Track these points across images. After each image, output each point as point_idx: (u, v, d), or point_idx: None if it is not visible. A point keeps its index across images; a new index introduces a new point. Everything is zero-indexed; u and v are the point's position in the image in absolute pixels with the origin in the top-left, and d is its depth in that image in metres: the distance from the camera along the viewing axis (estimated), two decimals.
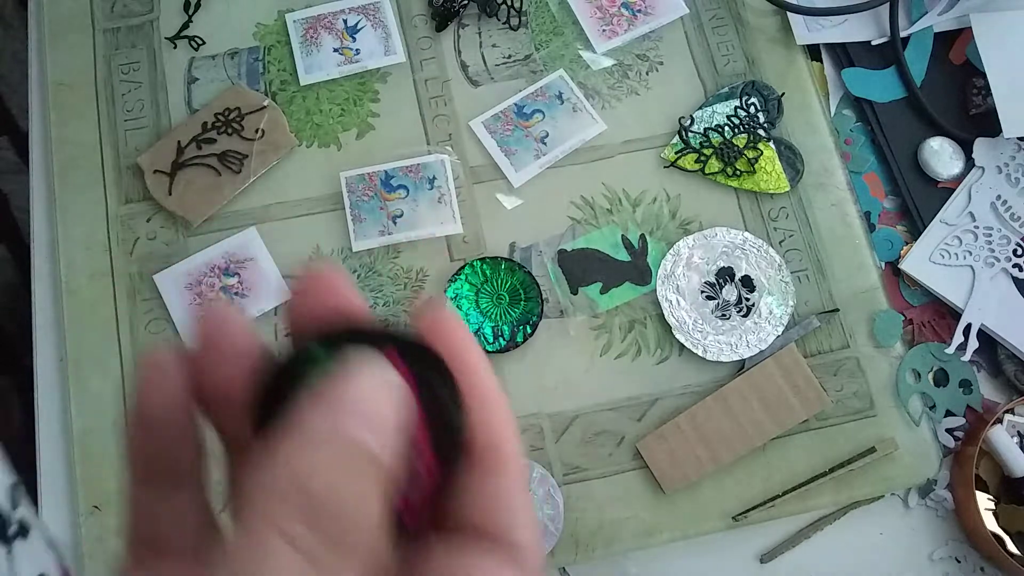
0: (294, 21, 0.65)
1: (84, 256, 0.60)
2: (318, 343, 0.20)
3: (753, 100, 0.63)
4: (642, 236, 0.60)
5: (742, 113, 0.62)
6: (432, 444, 0.20)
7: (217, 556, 0.17)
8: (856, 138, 0.64)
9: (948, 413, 0.57)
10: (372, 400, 0.18)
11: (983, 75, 0.60)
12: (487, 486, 0.21)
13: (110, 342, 0.58)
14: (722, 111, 0.62)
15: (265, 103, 0.62)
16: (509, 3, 0.65)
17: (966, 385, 0.58)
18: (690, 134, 0.62)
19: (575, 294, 0.59)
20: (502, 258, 0.58)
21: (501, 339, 0.57)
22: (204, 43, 0.65)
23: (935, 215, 0.60)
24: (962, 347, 0.58)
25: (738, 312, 0.58)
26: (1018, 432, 0.56)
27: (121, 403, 0.57)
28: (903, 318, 0.58)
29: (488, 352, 0.57)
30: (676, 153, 0.62)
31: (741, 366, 0.57)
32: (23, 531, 0.32)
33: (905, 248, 0.61)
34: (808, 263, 0.60)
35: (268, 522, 0.16)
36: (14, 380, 0.88)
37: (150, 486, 0.21)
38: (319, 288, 0.21)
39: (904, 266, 0.60)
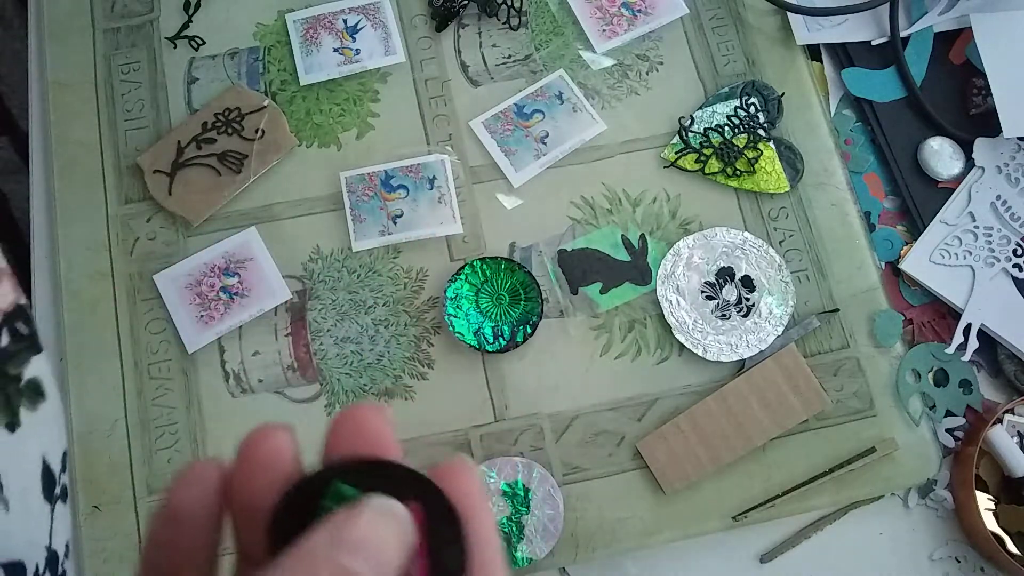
0: (294, 21, 0.65)
1: (84, 256, 0.60)
2: (343, 474, 0.22)
3: (753, 100, 0.63)
4: (642, 236, 0.60)
5: (742, 113, 0.62)
6: None
7: None
8: (856, 138, 0.64)
9: (948, 413, 0.57)
10: (376, 536, 0.20)
11: (983, 75, 0.60)
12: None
13: (110, 342, 0.58)
14: (722, 111, 0.62)
15: (265, 103, 0.62)
16: (509, 3, 0.65)
17: (966, 385, 0.58)
18: (690, 134, 0.62)
19: (575, 294, 0.59)
20: (502, 258, 0.58)
21: (501, 339, 0.57)
22: (204, 43, 0.65)
23: (935, 215, 0.60)
24: (962, 347, 0.58)
25: (738, 312, 0.58)
26: (1018, 432, 0.56)
27: (121, 403, 0.57)
28: (903, 318, 0.58)
29: (488, 352, 0.57)
30: (676, 153, 0.62)
31: (741, 366, 0.57)
32: (64, 496, 0.33)
33: (905, 248, 0.61)
34: (808, 263, 0.60)
35: None
36: None
37: None
38: (360, 422, 0.23)
39: (904, 266, 0.60)
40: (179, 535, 0.22)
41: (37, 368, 0.32)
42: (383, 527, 0.20)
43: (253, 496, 0.22)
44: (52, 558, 0.32)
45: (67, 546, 0.34)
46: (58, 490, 0.33)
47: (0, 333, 0.31)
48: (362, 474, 0.22)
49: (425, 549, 0.21)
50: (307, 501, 0.21)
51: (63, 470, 0.34)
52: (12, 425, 0.30)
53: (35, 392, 0.32)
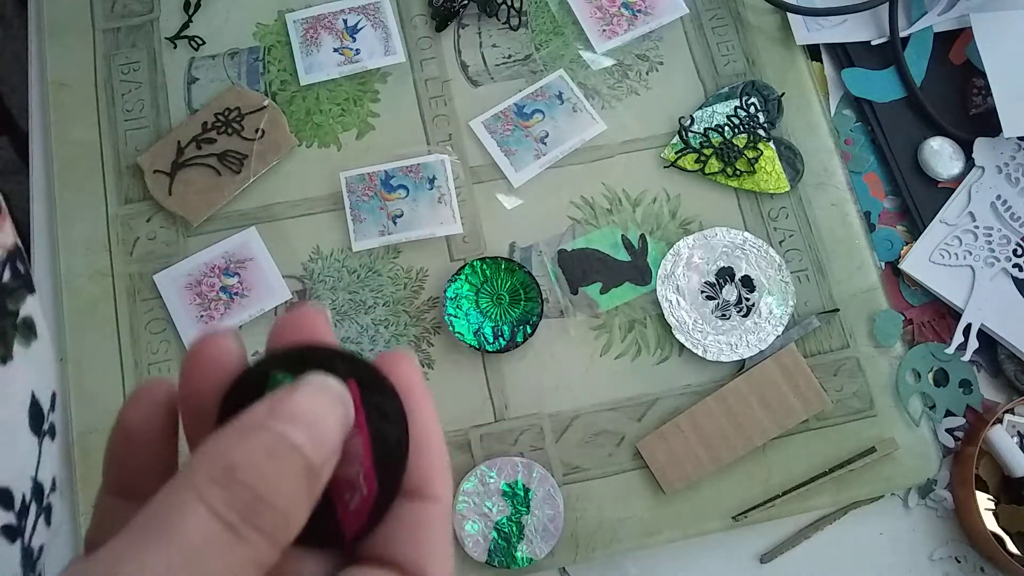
0: (294, 21, 0.65)
1: (84, 256, 0.60)
2: (282, 363, 0.22)
3: (753, 100, 0.63)
4: (642, 236, 0.60)
5: (742, 113, 0.62)
6: (374, 463, 0.22)
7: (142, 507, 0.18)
8: (856, 138, 0.64)
9: (948, 413, 0.57)
10: (314, 408, 0.20)
11: (983, 75, 0.60)
12: (413, 517, 0.22)
13: (110, 342, 0.58)
14: (722, 111, 0.62)
15: (265, 103, 0.62)
16: (509, 3, 0.65)
17: (966, 385, 0.58)
18: (690, 134, 0.62)
19: (575, 294, 0.59)
20: (502, 258, 0.58)
21: (501, 339, 0.57)
22: (204, 43, 0.65)
23: (935, 215, 0.60)
24: (962, 347, 0.58)
25: (738, 312, 0.58)
26: (1018, 432, 0.56)
27: (121, 403, 0.57)
28: (903, 318, 0.58)
29: (488, 352, 0.57)
30: (676, 153, 0.62)
31: (741, 366, 0.57)
32: (52, 433, 0.34)
33: (905, 248, 0.61)
34: (808, 263, 0.60)
35: (189, 486, 0.18)
36: None
37: (118, 497, 0.23)
38: (299, 321, 0.23)
39: (904, 266, 0.60)
40: (134, 452, 0.23)
41: (31, 308, 0.32)
42: (320, 399, 0.20)
43: (202, 400, 0.22)
44: (37, 489, 0.32)
45: (54, 480, 0.34)
46: (46, 426, 0.34)
47: (4, 269, 0.31)
48: (300, 360, 0.22)
49: (364, 426, 0.22)
50: (251, 393, 0.21)
51: (52, 409, 0.34)
52: (4, 358, 0.30)
53: (29, 330, 0.32)
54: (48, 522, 0.40)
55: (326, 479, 0.20)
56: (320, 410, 0.20)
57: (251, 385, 0.22)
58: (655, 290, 0.59)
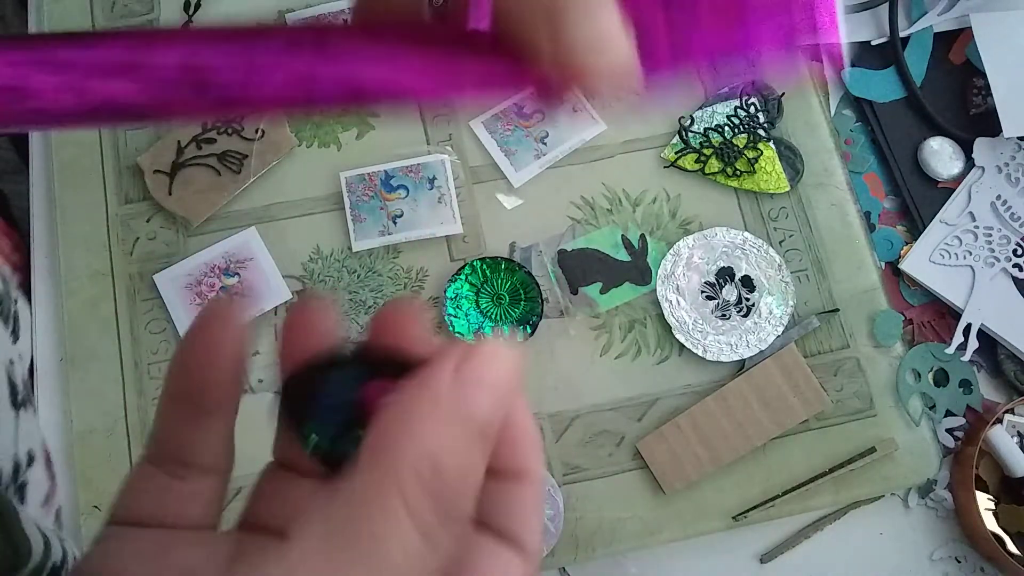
0: (294, 21, 0.65)
1: (84, 256, 0.60)
2: (368, 362, 0.22)
3: (753, 100, 0.63)
4: (642, 236, 0.60)
5: (742, 113, 0.62)
6: None
7: (332, 496, 0.17)
8: (856, 138, 0.64)
9: (948, 413, 0.57)
10: (496, 371, 0.19)
11: (983, 75, 0.60)
12: (512, 494, 0.22)
13: (110, 342, 0.58)
14: (722, 111, 0.62)
15: None
16: None
17: (966, 385, 0.58)
18: (690, 134, 0.62)
19: (575, 294, 0.59)
20: (502, 258, 0.58)
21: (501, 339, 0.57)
22: None
23: (935, 215, 0.60)
24: (962, 347, 0.58)
25: (738, 312, 0.58)
26: (1018, 432, 0.56)
27: (121, 403, 0.57)
28: (903, 318, 0.58)
29: None
30: (676, 153, 0.62)
31: (741, 366, 0.57)
32: (26, 403, 0.33)
33: (905, 248, 0.61)
34: (808, 263, 0.60)
35: (394, 485, 0.17)
36: None
37: (187, 405, 0.23)
38: (308, 322, 0.23)
39: (904, 266, 0.60)
40: (210, 365, 0.23)
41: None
42: (502, 359, 0.19)
43: (293, 356, 0.23)
44: (16, 468, 0.32)
45: (29, 454, 0.34)
46: (20, 398, 0.34)
47: None
48: (385, 362, 0.22)
49: None
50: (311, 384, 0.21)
51: (24, 387, 0.34)
52: None
53: None
54: (23, 499, 0.40)
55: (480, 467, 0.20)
56: (501, 372, 0.19)
57: (324, 379, 0.21)
58: (655, 290, 0.59)
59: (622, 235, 0.60)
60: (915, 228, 0.61)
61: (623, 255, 0.60)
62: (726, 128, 0.62)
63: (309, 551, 0.17)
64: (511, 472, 0.22)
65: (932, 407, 0.57)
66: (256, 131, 0.62)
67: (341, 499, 0.18)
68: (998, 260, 0.59)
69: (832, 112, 0.64)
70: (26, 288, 0.60)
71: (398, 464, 0.18)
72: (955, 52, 0.65)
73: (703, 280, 0.59)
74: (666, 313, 0.58)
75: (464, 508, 0.18)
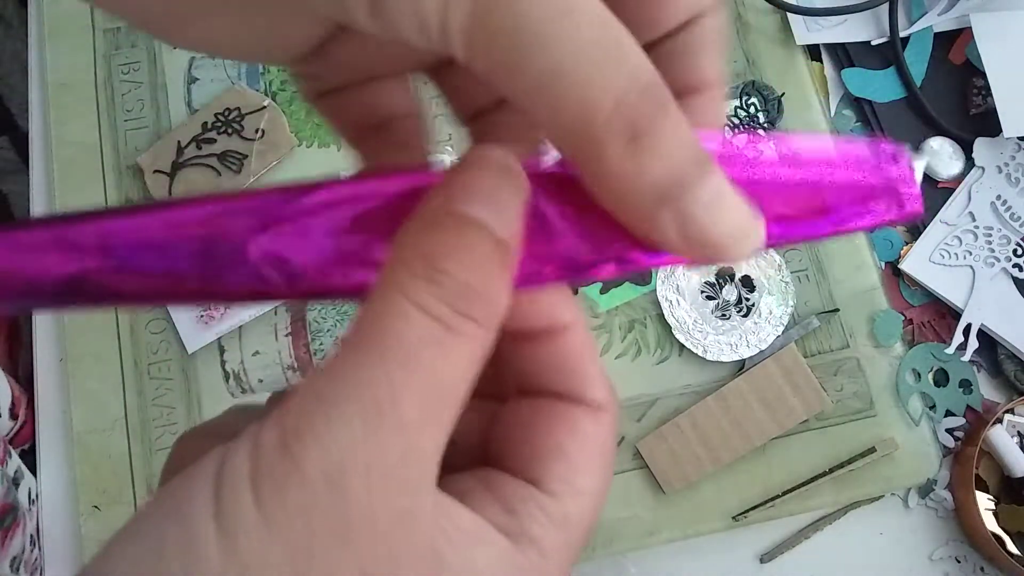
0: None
1: None
2: None
3: (753, 100, 0.63)
4: None
5: (742, 113, 0.62)
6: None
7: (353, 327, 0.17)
8: (856, 138, 0.64)
9: (948, 413, 0.57)
10: (484, 180, 0.18)
11: (983, 75, 0.60)
12: (555, 352, 0.21)
13: (110, 342, 0.58)
14: None
15: (265, 103, 0.62)
16: None
17: (966, 385, 0.58)
18: None
19: (575, 294, 0.59)
20: None
21: None
22: None
23: (935, 215, 0.60)
24: (962, 347, 0.58)
25: (738, 312, 0.58)
26: (1018, 432, 0.56)
27: (121, 403, 0.57)
28: (903, 318, 0.58)
29: None
30: None
31: (741, 366, 0.57)
32: None
33: (905, 248, 0.61)
34: (808, 263, 0.60)
35: (393, 289, 0.17)
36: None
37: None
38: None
39: (904, 266, 0.60)
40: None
41: None
42: (496, 167, 0.19)
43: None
44: None
45: None
46: None
47: None
48: None
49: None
50: None
51: None
52: None
53: None
54: None
55: (516, 254, 0.18)
56: (495, 181, 0.18)
57: None
58: (655, 290, 0.59)
59: None
60: (915, 228, 0.61)
61: None
62: (726, 128, 0.62)
63: (334, 365, 0.17)
64: (547, 329, 0.21)
65: (932, 407, 0.57)
66: (256, 131, 0.62)
67: (356, 318, 0.18)
68: (998, 260, 0.59)
69: (832, 112, 0.64)
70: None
71: (394, 270, 0.17)
72: (955, 52, 0.65)
73: (703, 280, 0.59)
74: (666, 313, 0.58)
75: (485, 303, 0.18)
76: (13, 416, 0.55)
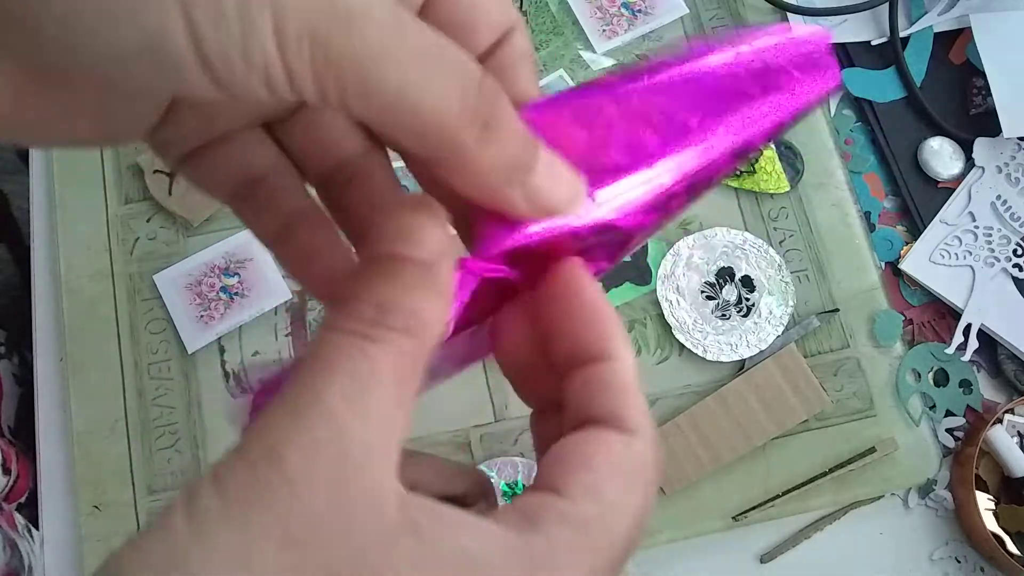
0: None
1: (84, 256, 0.60)
2: None
3: None
4: None
5: None
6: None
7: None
8: (856, 138, 0.64)
9: (948, 413, 0.57)
10: (415, 224, 0.21)
11: (983, 75, 0.60)
12: (598, 378, 0.22)
13: (110, 342, 0.58)
14: None
15: None
16: None
17: (966, 385, 0.58)
18: None
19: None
20: None
21: None
22: None
23: (935, 215, 0.60)
24: (962, 347, 0.58)
25: (738, 312, 0.58)
26: (1018, 432, 0.56)
27: (121, 403, 0.57)
28: (903, 318, 0.58)
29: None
30: None
31: (741, 366, 0.57)
32: None
33: (905, 248, 0.61)
34: (808, 263, 0.60)
35: (323, 327, 0.19)
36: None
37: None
38: None
39: (904, 266, 0.60)
40: None
41: None
42: (411, 211, 0.21)
43: None
44: None
45: None
46: None
47: None
48: None
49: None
50: None
51: None
52: None
53: None
54: None
55: (445, 266, 0.20)
56: (423, 228, 0.21)
57: None
58: (655, 290, 0.59)
59: None
60: (915, 228, 0.61)
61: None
62: None
63: (269, 418, 0.19)
64: (592, 355, 0.22)
65: (932, 407, 0.57)
66: None
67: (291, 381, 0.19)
68: (998, 260, 0.59)
69: (832, 112, 0.64)
70: (26, 290, 0.60)
71: (325, 317, 0.20)
72: (955, 52, 0.65)
73: (703, 280, 0.59)
74: (666, 313, 0.58)
75: (403, 316, 0.20)
76: (6, 471, 0.55)
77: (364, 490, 0.18)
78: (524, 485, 0.54)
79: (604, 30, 0.65)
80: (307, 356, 0.19)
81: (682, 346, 0.57)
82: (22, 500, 0.56)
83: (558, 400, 0.23)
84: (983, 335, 0.58)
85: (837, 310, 0.58)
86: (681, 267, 0.59)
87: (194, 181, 0.25)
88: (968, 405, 0.58)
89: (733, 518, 0.55)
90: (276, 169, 0.25)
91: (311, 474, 0.17)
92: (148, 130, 0.23)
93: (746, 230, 0.60)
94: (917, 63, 0.64)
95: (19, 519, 0.53)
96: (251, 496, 0.17)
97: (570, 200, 0.22)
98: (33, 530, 0.54)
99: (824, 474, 0.55)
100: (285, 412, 0.18)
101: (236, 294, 0.58)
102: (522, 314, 0.24)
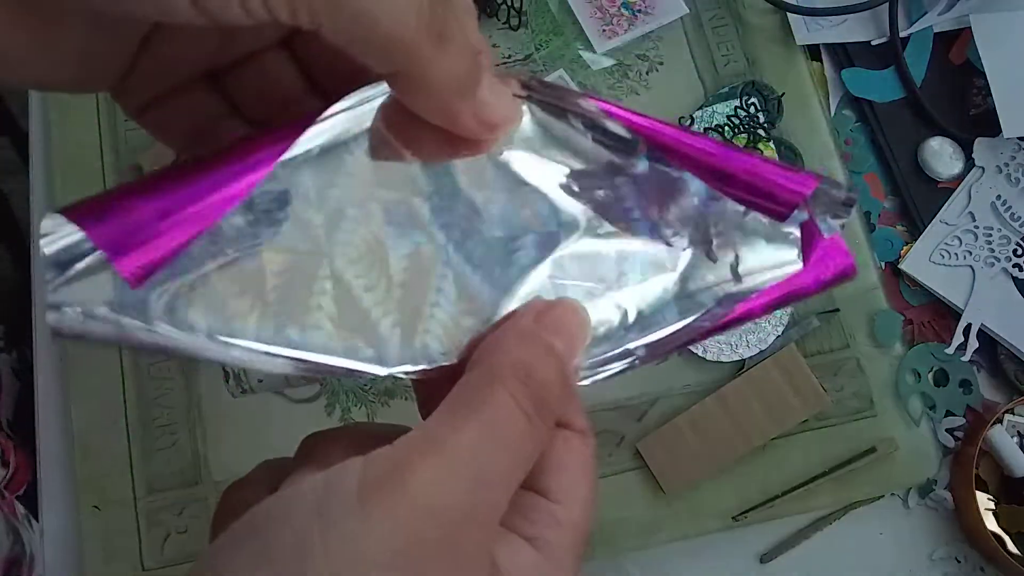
0: None
1: None
2: None
3: (753, 100, 0.63)
4: None
5: (742, 113, 0.62)
6: None
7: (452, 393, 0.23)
8: (856, 138, 0.64)
9: (948, 413, 0.57)
10: (570, 322, 0.26)
11: (983, 75, 0.60)
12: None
13: None
14: (722, 111, 0.62)
15: None
16: (509, 3, 0.65)
17: (966, 385, 0.58)
18: None
19: None
20: None
21: None
22: None
23: (935, 215, 0.60)
24: (962, 347, 0.58)
25: None
26: (1018, 432, 0.56)
27: (121, 403, 0.57)
28: (903, 318, 0.58)
29: None
30: None
31: (741, 366, 0.57)
32: None
33: (905, 248, 0.61)
34: None
35: (498, 381, 0.23)
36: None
37: None
38: None
39: (904, 266, 0.60)
40: None
41: None
42: (574, 317, 0.26)
43: None
44: None
45: None
46: None
47: None
48: None
49: None
50: None
51: None
52: None
53: None
54: None
55: (575, 383, 0.26)
56: (575, 323, 0.26)
57: None
58: None
59: None
60: (915, 228, 0.61)
61: None
62: (726, 128, 0.62)
63: (434, 421, 0.22)
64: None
65: (932, 407, 0.57)
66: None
67: (455, 393, 0.23)
68: (998, 260, 0.59)
69: (832, 112, 0.64)
70: (26, 289, 0.60)
71: (498, 366, 0.23)
72: (955, 52, 0.65)
73: None
74: None
75: (553, 409, 0.24)
76: (4, 463, 0.55)
77: (476, 544, 0.22)
78: None
79: (604, 30, 0.65)
80: (473, 397, 0.23)
81: None
82: (20, 492, 0.56)
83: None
84: (983, 335, 0.58)
85: (837, 310, 0.58)
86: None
87: (151, 130, 0.27)
88: (968, 405, 0.58)
89: (733, 518, 0.55)
90: (224, 117, 0.27)
91: (453, 538, 0.21)
92: (119, 77, 0.25)
93: None
94: (917, 63, 0.64)
95: (20, 508, 0.53)
96: (396, 530, 0.20)
97: (509, 117, 0.25)
98: (33, 520, 0.54)
99: (824, 474, 0.55)
100: (450, 466, 0.21)
101: None
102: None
